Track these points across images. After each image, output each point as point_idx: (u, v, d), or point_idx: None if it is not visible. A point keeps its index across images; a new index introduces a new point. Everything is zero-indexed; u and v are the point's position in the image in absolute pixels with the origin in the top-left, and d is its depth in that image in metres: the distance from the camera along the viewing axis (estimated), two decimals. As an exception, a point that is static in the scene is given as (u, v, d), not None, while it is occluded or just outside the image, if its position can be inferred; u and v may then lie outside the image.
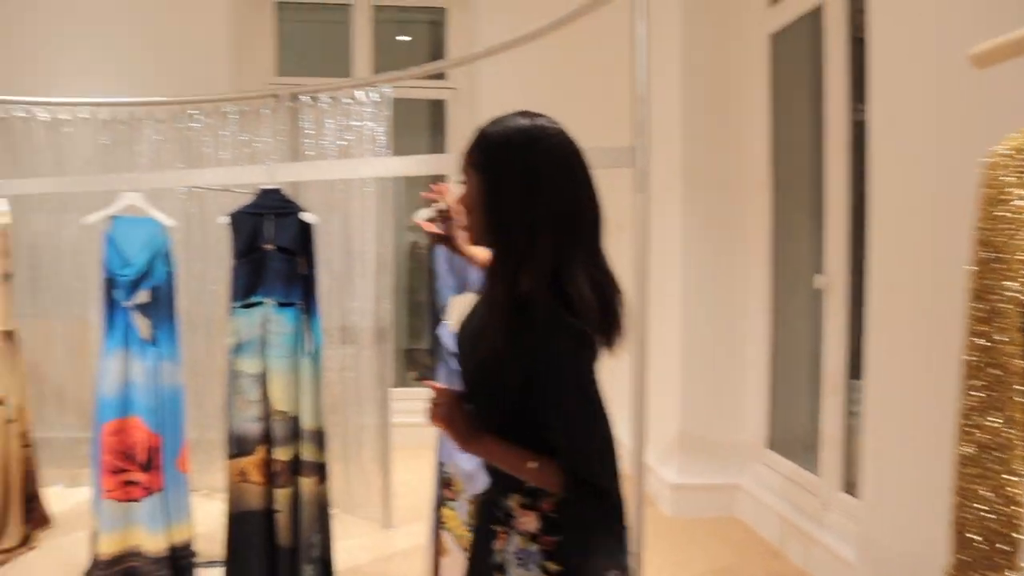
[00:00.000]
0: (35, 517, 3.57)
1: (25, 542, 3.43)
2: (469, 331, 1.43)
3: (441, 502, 2.55)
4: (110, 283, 3.06)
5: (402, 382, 5.89)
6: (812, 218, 3.54)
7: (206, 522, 3.56)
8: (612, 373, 1.52)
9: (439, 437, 2.54)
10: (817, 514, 3.25)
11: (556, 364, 1.24)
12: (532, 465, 1.28)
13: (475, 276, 2.37)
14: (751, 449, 3.87)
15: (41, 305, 4.24)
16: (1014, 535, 1.10)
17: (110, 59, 4.63)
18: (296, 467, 2.78)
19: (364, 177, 3.70)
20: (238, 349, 2.78)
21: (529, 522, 1.31)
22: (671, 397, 3.90)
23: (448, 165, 2.51)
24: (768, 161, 3.74)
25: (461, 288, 2.44)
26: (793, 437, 3.73)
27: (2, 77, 4.54)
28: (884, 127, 2.64)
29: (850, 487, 3.12)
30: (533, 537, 1.31)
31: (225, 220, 2.82)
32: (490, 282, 1.37)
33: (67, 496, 4.14)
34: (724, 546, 3.50)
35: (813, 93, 3.45)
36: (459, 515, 2.43)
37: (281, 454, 2.74)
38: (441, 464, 2.53)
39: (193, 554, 3.13)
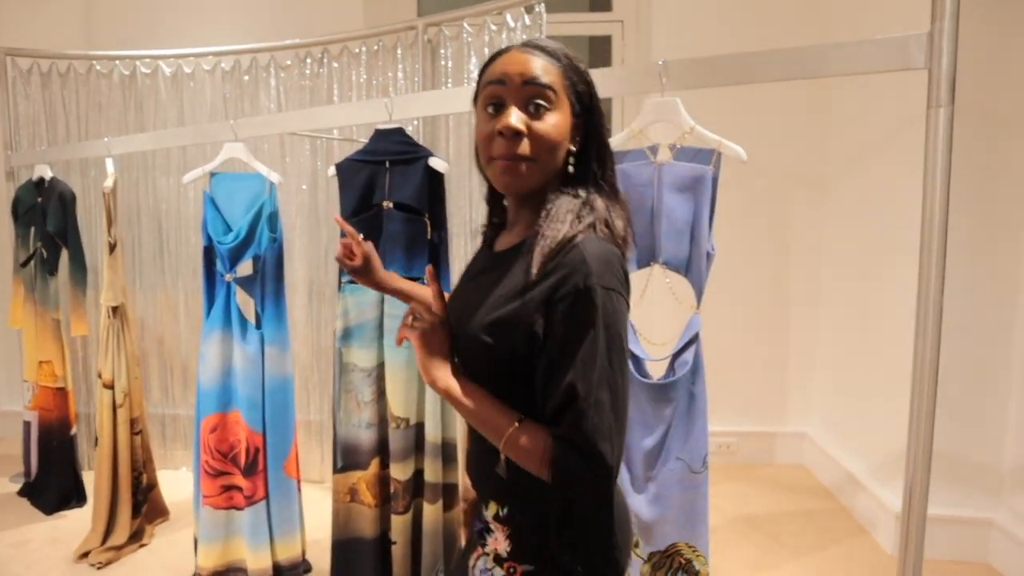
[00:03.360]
0: (150, 509, 3.23)
1: (137, 537, 3.09)
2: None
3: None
4: (210, 252, 2.59)
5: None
6: None
7: (326, 524, 3.08)
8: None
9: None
10: None
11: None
12: (514, 424, 0.99)
13: (667, 243, 1.69)
14: (1014, 474, 2.90)
15: (168, 275, 3.94)
16: None
17: (234, 8, 4.24)
18: (418, 488, 2.18)
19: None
20: (347, 336, 2.19)
21: (498, 540, 1.07)
22: (897, 395, 2.97)
23: (619, 86, 1.81)
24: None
25: (647, 259, 1.73)
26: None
27: (127, 33, 4.27)
28: None
29: None
30: (498, 559, 1.06)
31: (332, 172, 2.24)
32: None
33: (190, 480, 3.82)
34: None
35: None
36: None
37: (399, 471, 2.14)
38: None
39: (303, 573, 2.63)
